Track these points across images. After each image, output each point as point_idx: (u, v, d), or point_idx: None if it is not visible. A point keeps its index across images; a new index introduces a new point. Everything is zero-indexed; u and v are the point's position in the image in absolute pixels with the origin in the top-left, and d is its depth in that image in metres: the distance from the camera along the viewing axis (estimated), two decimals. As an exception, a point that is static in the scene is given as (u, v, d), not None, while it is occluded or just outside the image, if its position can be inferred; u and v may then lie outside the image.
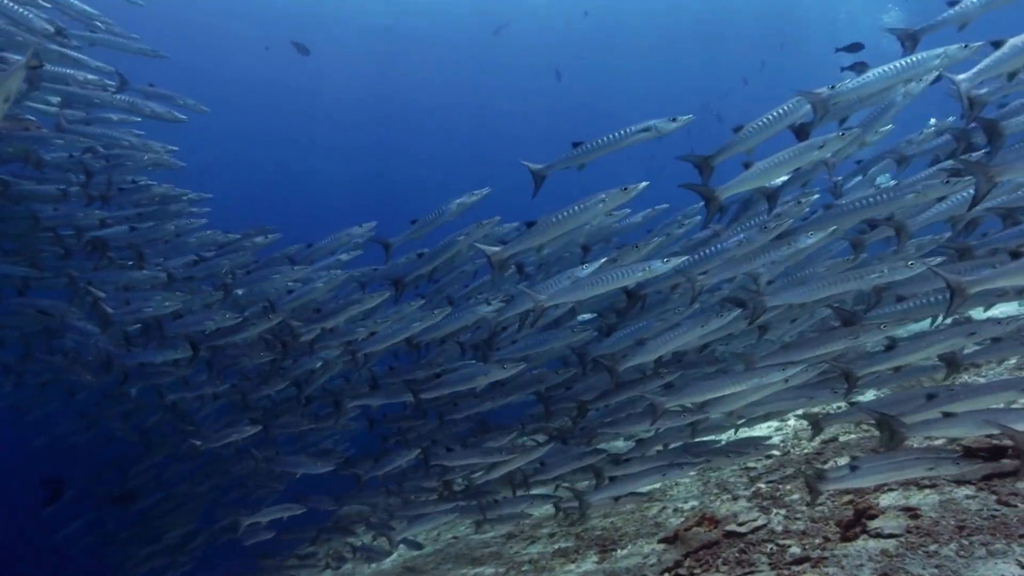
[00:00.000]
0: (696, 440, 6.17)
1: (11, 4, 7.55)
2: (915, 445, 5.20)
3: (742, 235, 5.19)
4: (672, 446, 6.24)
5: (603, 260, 5.40)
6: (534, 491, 6.85)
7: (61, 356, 9.17)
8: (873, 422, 5.36)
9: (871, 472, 4.18)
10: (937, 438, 5.26)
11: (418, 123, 45.99)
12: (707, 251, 5.28)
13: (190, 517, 10.52)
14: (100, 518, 11.62)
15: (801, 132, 5.12)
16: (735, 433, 6.91)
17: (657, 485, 6.94)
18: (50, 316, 8.55)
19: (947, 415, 4.17)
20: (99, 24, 8.62)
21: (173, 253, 8.56)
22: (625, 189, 5.03)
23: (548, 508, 7.12)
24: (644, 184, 5.11)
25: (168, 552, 10.41)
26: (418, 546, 8.05)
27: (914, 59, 4.78)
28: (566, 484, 6.39)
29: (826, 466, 5.91)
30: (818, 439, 6.77)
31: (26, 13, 7.64)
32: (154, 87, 9.31)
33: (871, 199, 5.12)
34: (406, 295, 6.91)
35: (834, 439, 6.45)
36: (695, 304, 5.57)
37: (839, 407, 7.60)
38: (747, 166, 5.02)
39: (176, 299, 7.34)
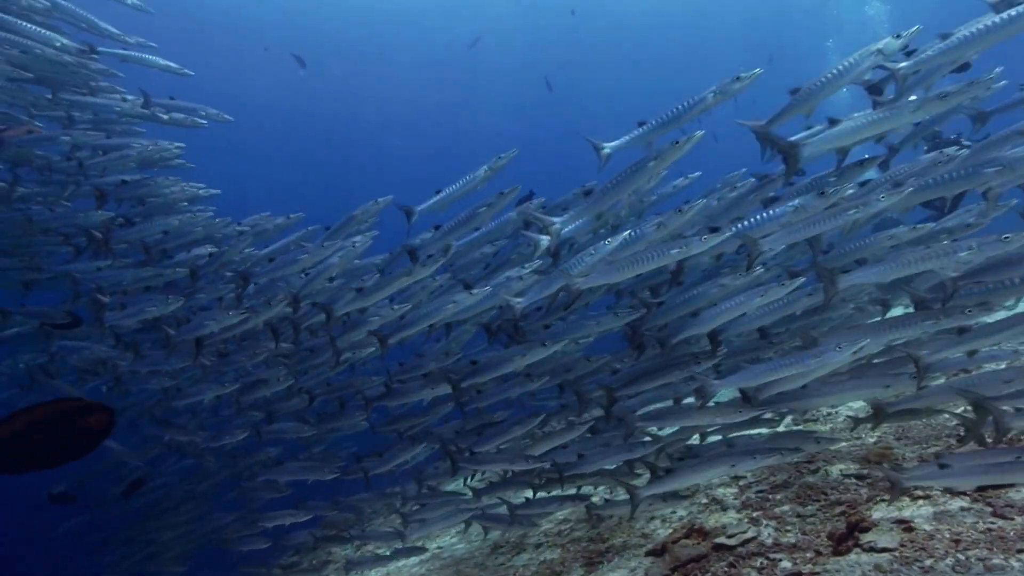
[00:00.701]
0: (736, 434, 5.55)
1: (38, 29, 7.81)
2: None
3: (798, 200, 4.60)
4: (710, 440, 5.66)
5: (626, 232, 4.81)
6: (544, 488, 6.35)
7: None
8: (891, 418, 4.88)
9: (964, 473, 3.67)
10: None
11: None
12: (762, 216, 4.67)
13: (186, 518, 10.49)
14: (97, 518, 11.66)
15: (874, 91, 4.76)
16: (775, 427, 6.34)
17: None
18: (50, 327, 8.58)
19: None
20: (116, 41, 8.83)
21: (179, 249, 8.43)
22: (677, 143, 4.45)
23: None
24: (700, 133, 4.48)
25: (164, 553, 10.38)
26: (421, 550, 7.72)
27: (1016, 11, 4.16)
28: (621, 478, 5.70)
29: (816, 475, 5.60)
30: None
31: (52, 36, 7.86)
32: (174, 99, 9.42)
33: (950, 174, 4.49)
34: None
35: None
36: (755, 271, 4.92)
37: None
38: (833, 122, 4.49)
39: (179, 300, 7.20)
